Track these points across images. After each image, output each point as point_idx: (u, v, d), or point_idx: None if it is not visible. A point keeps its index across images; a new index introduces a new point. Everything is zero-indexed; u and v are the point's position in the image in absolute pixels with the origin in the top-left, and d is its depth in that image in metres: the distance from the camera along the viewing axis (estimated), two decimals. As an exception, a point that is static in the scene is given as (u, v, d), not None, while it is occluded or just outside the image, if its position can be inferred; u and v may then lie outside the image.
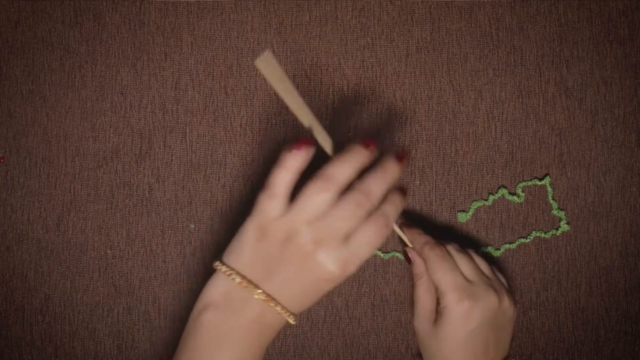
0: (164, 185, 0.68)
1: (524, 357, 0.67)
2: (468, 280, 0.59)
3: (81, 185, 0.68)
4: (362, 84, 0.68)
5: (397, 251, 0.67)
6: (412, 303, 0.62)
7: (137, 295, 0.67)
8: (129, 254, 0.67)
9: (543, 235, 0.67)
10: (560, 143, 0.68)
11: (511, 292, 0.65)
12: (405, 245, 0.63)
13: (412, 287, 0.62)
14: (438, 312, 0.59)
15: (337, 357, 0.67)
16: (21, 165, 0.68)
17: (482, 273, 0.61)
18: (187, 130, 0.68)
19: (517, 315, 0.64)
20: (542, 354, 0.66)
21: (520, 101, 0.68)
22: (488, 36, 0.68)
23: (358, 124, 0.68)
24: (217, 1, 0.69)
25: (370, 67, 0.68)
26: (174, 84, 0.68)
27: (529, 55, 0.68)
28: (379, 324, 0.67)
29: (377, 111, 0.68)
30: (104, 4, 0.69)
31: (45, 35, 0.69)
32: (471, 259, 0.61)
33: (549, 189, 0.67)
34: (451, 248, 0.62)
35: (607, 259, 0.67)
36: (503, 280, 0.63)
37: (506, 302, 0.60)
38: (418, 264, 0.61)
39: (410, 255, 0.62)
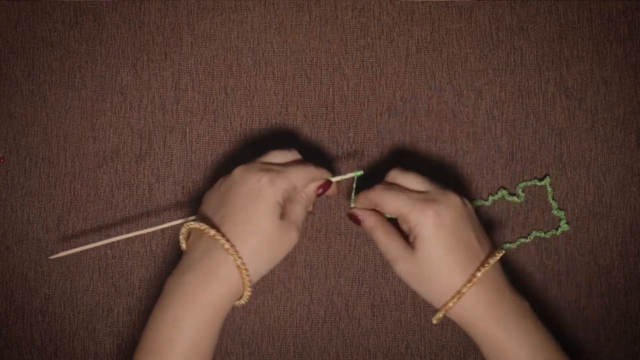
0: (164, 185, 0.68)
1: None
2: (422, 192, 0.58)
3: (81, 185, 0.68)
4: (362, 84, 0.68)
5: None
6: (385, 257, 0.59)
7: (137, 295, 0.67)
8: (129, 254, 0.67)
9: (543, 235, 0.67)
10: (560, 143, 0.68)
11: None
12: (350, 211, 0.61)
13: (375, 242, 0.60)
14: (411, 241, 0.57)
15: (337, 357, 0.67)
16: (21, 165, 0.68)
17: (432, 182, 0.59)
18: (187, 130, 0.68)
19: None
20: (542, 354, 0.66)
21: (520, 101, 0.68)
22: (488, 36, 0.68)
23: (358, 124, 0.68)
24: (217, 1, 0.69)
25: (370, 67, 0.68)
26: (174, 84, 0.68)
27: (529, 55, 0.68)
28: (379, 324, 0.67)
29: (377, 111, 0.68)
30: (104, 4, 0.69)
31: (45, 35, 0.69)
32: (416, 174, 0.60)
33: (549, 189, 0.67)
34: (394, 173, 0.60)
35: (607, 259, 0.67)
36: None
37: (464, 199, 0.58)
38: (367, 217, 0.60)
39: (355, 213, 0.60)
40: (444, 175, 0.67)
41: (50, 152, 0.68)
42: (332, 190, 0.62)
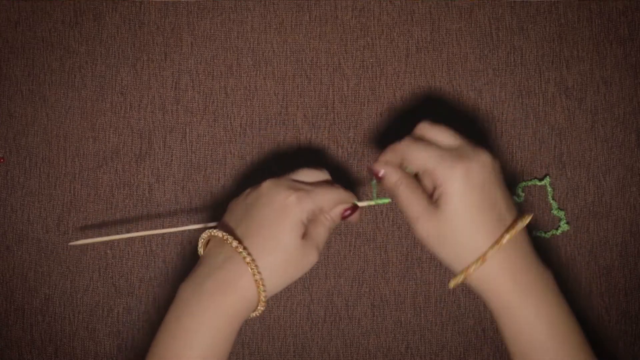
0: (164, 185, 0.68)
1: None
2: (452, 148, 0.54)
3: (81, 185, 0.68)
4: (362, 84, 0.68)
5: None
6: (406, 217, 0.56)
7: (137, 295, 0.67)
8: (129, 254, 0.67)
9: (543, 235, 0.67)
10: (560, 143, 0.68)
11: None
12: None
13: (396, 199, 0.56)
14: (435, 199, 0.54)
15: (337, 357, 0.67)
16: (21, 165, 0.68)
17: (463, 137, 0.56)
18: (187, 130, 0.68)
19: None
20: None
21: (520, 101, 0.68)
22: (488, 36, 0.68)
23: (358, 124, 0.68)
24: (217, 1, 0.69)
25: (370, 67, 0.68)
26: (174, 84, 0.68)
27: (529, 55, 0.68)
28: (379, 324, 0.67)
29: (377, 111, 0.68)
30: (104, 4, 0.69)
31: (45, 35, 0.69)
32: (447, 127, 0.56)
33: (549, 189, 0.67)
34: (423, 125, 0.57)
35: (607, 259, 0.67)
36: None
37: (496, 159, 0.55)
38: (390, 171, 0.56)
39: (377, 168, 0.56)
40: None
41: (50, 152, 0.68)
42: (355, 217, 0.60)
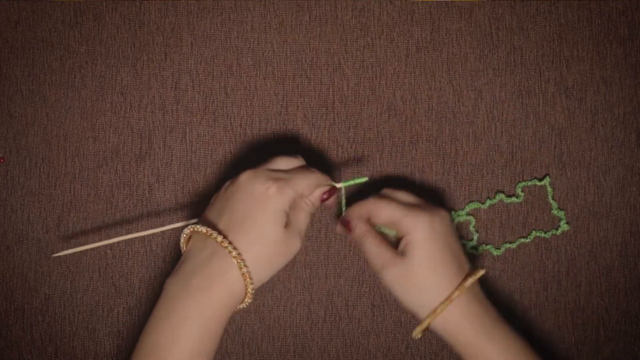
0: (164, 185, 0.68)
1: (524, 357, 0.67)
2: (414, 204, 0.59)
3: (81, 185, 0.68)
4: (362, 84, 0.68)
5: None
6: (373, 266, 0.59)
7: (137, 295, 0.67)
8: (129, 254, 0.67)
9: (543, 235, 0.67)
10: (560, 143, 0.68)
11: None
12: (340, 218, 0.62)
13: (361, 250, 0.60)
14: (400, 249, 0.58)
15: (337, 357, 0.67)
16: (21, 165, 0.68)
17: (421, 199, 0.61)
18: (187, 130, 0.68)
19: None
20: (542, 354, 0.66)
21: (520, 101, 0.68)
22: (488, 36, 0.68)
23: (358, 124, 0.68)
24: (217, 1, 0.69)
25: (370, 67, 0.68)
26: (174, 84, 0.68)
27: (529, 55, 0.68)
28: (379, 324, 0.67)
29: (377, 111, 0.68)
30: (104, 4, 0.69)
31: (45, 35, 0.69)
32: (406, 191, 0.61)
33: (549, 189, 0.67)
34: (385, 190, 0.61)
35: (607, 259, 0.67)
36: None
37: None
38: (360, 224, 0.60)
39: (348, 220, 0.61)
40: (444, 175, 0.67)
41: (50, 152, 0.68)
42: (332, 200, 0.61)
